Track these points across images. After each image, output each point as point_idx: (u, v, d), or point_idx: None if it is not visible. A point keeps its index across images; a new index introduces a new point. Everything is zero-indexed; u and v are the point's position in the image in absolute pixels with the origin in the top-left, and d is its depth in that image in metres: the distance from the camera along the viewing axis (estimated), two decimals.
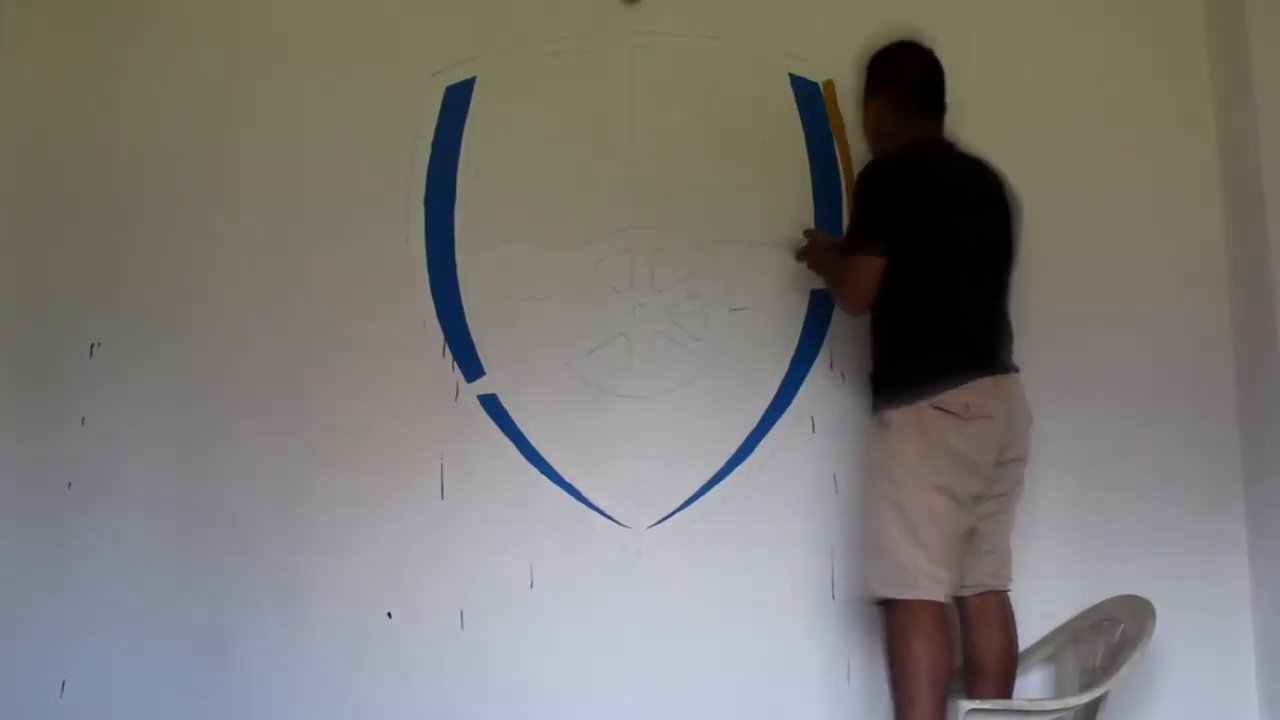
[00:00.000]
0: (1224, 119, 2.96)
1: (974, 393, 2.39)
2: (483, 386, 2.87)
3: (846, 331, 2.88)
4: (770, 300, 2.91)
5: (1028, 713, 2.54)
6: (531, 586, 2.79)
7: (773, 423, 2.87)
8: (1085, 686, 2.58)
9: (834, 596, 2.80)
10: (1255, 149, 2.84)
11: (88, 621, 2.77)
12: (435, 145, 2.92)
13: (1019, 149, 2.94)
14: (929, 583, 2.37)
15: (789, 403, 2.88)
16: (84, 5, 2.99)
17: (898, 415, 2.43)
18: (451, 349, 2.87)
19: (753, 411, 2.87)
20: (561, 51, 2.96)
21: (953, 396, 2.37)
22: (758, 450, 2.86)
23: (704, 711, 2.72)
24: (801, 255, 2.77)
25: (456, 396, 2.86)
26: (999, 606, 2.55)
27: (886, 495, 2.42)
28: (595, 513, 2.83)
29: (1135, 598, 2.63)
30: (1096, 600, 2.72)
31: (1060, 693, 2.69)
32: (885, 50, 2.68)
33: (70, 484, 2.81)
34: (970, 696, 2.45)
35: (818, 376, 2.89)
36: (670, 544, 2.82)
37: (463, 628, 2.78)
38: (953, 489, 2.37)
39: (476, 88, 2.94)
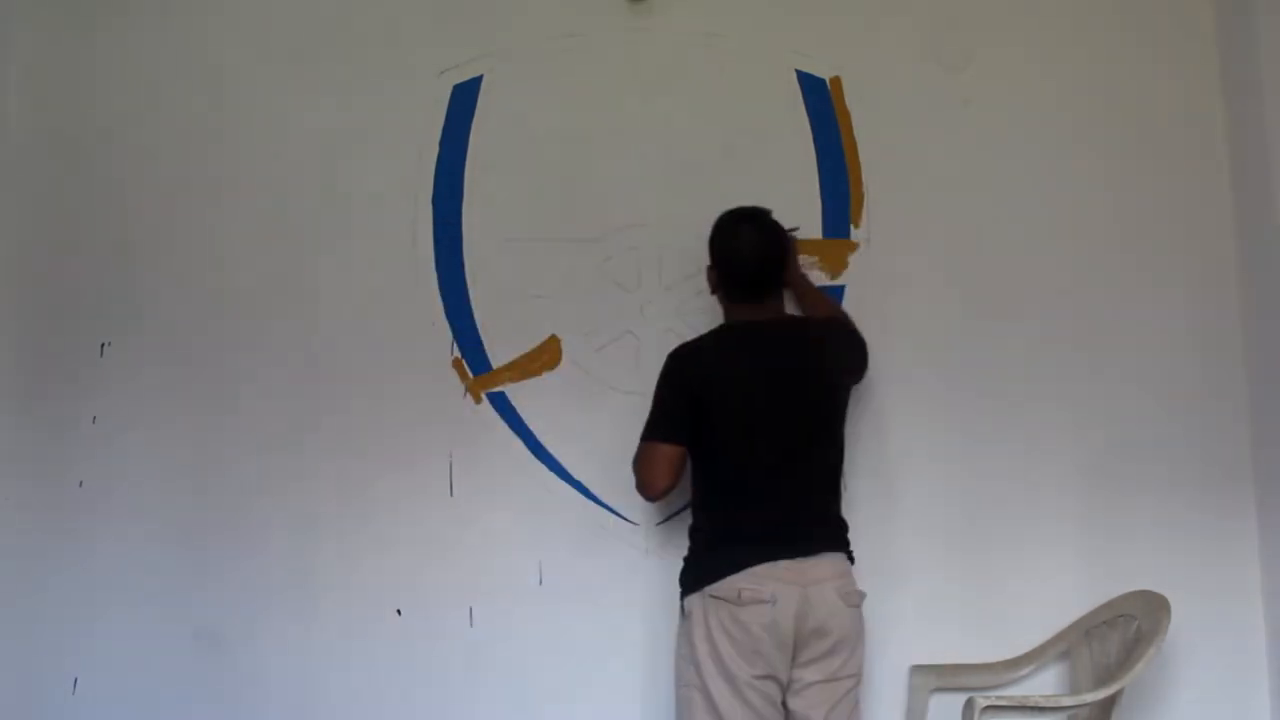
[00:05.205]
0: (1232, 114, 2.94)
1: (751, 578, 2.39)
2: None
3: None
4: None
5: (1043, 709, 2.53)
6: (540, 583, 2.79)
7: None
8: (1100, 682, 2.57)
9: None
10: (1263, 144, 2.82)
11: (99, 619, 2.79)
12: (443, 144, 2.93)
13: (1024, 144, 2.95)
14: None
15: None
16: (96, 3, 3.01)
17: (687, 602, 2.47)
18: (460, 347, 2.88)
19: None
20: (568, 50, 2.96)
21: (728, 584, 2.39)
22: None
23: None
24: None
25: (465, 394, 2.86)
26: None
27: (690, 681, 2.43)
28: (604, 510, 2.83)
29: (1150, 593, 2.61)
30: (1109, 596, 2.71)
31: (1074, 689, 2.67)
32: (722, 220, 2.59)
33: (81, 482, 2.83)
34: None
35: None
36: (679, 541, 2.80)
37: (472, 625, 2.78)
38: (733, 672, 2.37)
39: (483, 86, 2.95)
